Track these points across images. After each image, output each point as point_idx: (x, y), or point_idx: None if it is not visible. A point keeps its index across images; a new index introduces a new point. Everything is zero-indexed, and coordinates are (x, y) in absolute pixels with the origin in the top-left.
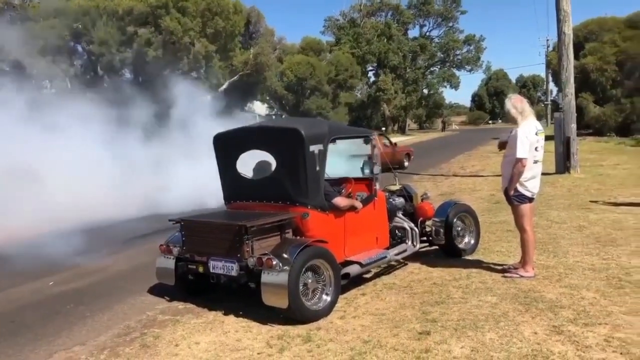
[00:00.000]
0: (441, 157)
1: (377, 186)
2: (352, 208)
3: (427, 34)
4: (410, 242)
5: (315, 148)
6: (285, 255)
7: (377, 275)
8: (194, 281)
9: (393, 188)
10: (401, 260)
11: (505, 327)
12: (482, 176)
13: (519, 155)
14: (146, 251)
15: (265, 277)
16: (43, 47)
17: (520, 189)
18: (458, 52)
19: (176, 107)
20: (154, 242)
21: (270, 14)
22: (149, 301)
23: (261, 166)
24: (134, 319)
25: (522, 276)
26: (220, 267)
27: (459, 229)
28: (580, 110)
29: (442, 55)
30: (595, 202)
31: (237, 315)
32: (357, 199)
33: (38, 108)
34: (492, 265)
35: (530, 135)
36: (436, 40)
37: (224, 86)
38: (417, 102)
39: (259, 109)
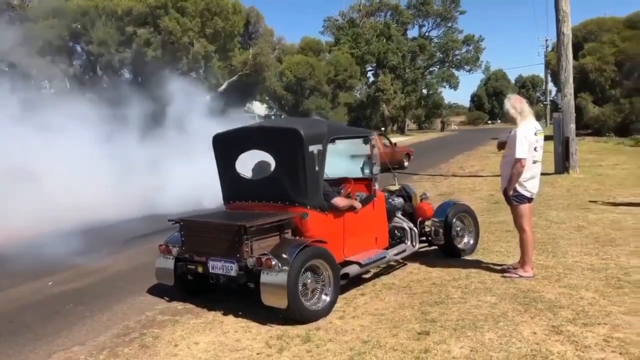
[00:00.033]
0: (440, 157)
1: (377, 186)
2: (352, 208)
3: (426, 34)
4: (409, 242)
5: (314, 148)
6: (284, 256)
7: (377, 275)
8: (193, 281)
9: (392, 188)
10: (400, 261)
11: (505, 327)
12: (481, 176)
13: (518, 155)
14: (145, 251)
15: (265, 277)
16: (42, 47)
17: (519, 189)
18: (457, 52)
19: (175, 107)
20: (153, 242)
21: (269, 14)
22: (148, 301)
23: (260, 166)
24: (133, 319)
25: (521, 276)
26: (219, 267)
27: (458, 229)
28: (579, 110)
29: (441, 56)
30: (594, 202)
31: (236, 316)
32: (356, 199)
33: (37, 108)
34: (491, 266)
35: (529, 136)
36: (435, 40)
37: (223, 86)
38: (416, 102)
39: (258, 109)
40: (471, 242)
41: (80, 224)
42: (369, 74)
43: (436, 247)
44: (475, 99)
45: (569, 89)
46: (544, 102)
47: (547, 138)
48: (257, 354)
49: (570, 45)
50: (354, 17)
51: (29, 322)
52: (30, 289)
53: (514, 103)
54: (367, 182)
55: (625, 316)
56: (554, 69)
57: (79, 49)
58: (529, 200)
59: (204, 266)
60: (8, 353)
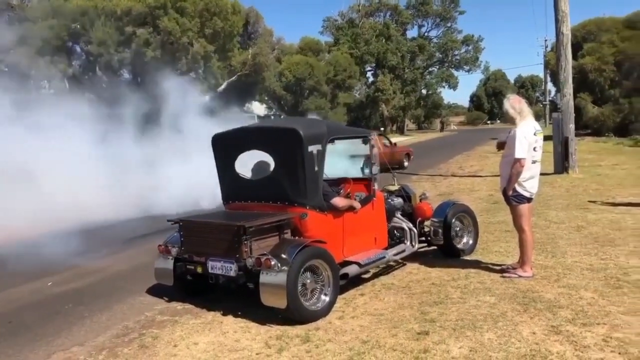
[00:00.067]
0: (440, 158)
1: (376, 186)
2: (351, 208)
3: (426, 34)
4: (408, 243)
5: (313, 148)
6: (283, 256)
7: (376, 275)
8: (193, 281)
9: (392, 188)
10: (400, 261)
11: (504, 327)
12: (480, 176)
13: (517, 155)
14: (145, 251)
15: (264, 278)
16: (41, 47)
17: (518, 189)
18: (456, 52)
19: (174, 107)
20: (152, 243)
21: (268, 14)
22: (147, 302)
23: (260, 166)
24: (133, 320)
25: (520, 276)
26: (218, 267)
27: (458, 229)
28: (578, 110)
29: (440, 56)
30: (594, 202)
31: (235, 316)
32: (355, 199)
33: (36, 108)
34: (490, 266)
35: (528, 136)
36: (435, 40)
37: (223, 86)
38: (415, 102)
39: (258, 109)
40: (470, 242)
41: (80, 224)
42: (368, 74)
43: (435, 247)
44: (475, 99)
45: (568, 89)
46: (543, 102)
47: (546, 138)
48: (257, 354)
49: (569, 46)
50: (353, 18)
51: (29, 322)
52: (29, 289)
53: (513, 103)
54: (366, 182)
55: (625, 316)
56: (553, 69)
57: (78, 49)
58: (528, 200)
59: (203, 266)
60: (7, 353)
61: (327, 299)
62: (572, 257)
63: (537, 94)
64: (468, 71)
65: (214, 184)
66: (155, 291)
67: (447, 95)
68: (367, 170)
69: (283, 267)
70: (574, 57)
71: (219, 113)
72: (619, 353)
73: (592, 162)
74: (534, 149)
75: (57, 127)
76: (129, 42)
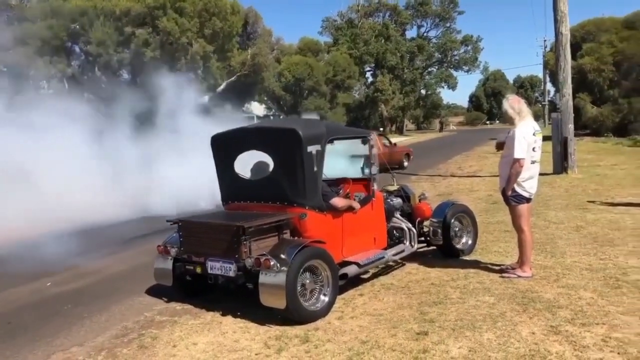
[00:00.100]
0: (439, 158)
1: (375, 186)
2: (350, 208)
3: (425, 34)
4: (408, 243)
5: (313, 148)
6: (283, 256)
7: (375, 275)
8: (192, 282)
9: (391, 188)
10: (399, 261)
11: (503, 327)
12: (479, 176)
13: (516, 155)
14: (144, 252)
15: (263, 278)
16: (40, 47)
17: (517, 189)
18: (456, 52)
19: (172, 107)
20: (151, 243)
21: (267, 15)
22: (146, 302)
23: (259, 167)
24: (132, 320)
25: (519, 276)
26: (218, 267)
27: (457, 229)
28: (577, 110)
29: (439, 56)
30: (593, 202)
31: (234, 316)
32: (355, 200)
33: (34, 108)
34: (489, 266)
35: (527, 136)
36: (434, 40)
37: (222, 87)
38: (414, 102)
39: (257, 110)
40: (469, 242)
41: (79, 224)
42: (368, 74)
43: (435, 248)
44: (474, 100)
45: (568, 89)
46: (543, 103)
47: (545, 138)
48: (256, 354)
49: (568, 46)
50: (353, 18)
51: (28, 322)
52: (28, 289)
53: (512, 103)
54: (365, 182)
55: (624, 316)
56: (552, 69)
57: (77, 49)
58: (528, 200)
59: (202, 267)
60: (6, 354)
61: (327, 299)
62: (571, 257)
63: (536, 94)
64: (467, 71)
65: (213, 184)
66: (155, 291)
67: (446, 96)
68: (366, 171)
69: (282, 268)
70: (573, 58)
71: (217, 113)
72: (618, 353)
73: (591, 162)
74: (533, 149)
75: (56, 127)
76: (128, 43)
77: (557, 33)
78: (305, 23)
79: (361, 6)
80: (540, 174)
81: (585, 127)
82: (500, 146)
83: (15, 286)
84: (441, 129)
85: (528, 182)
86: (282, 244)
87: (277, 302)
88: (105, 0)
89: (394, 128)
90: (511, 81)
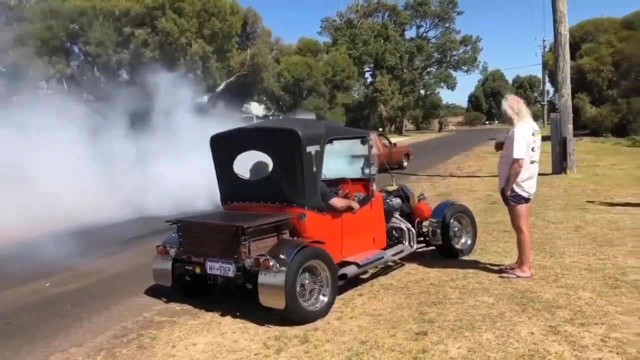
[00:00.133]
0: (438, 158)
1: (374, 187)
2: (349, 209)
3: (424, 34)
4: (407, 243)
5: (312, 149)
6: (282, 256)
7: (374, 275)
8: (191, 282)
9: (390, 189)
10: (398, 261)
11: (502, 327)
12: (478, 177)
13: (515, 155)
14: (143, 252)
15: (263, 278)
16: (39, 47)
17: (516, 189)
18: (455, 52)
19: (172, 107)
20: (150, 244)
21: (267, 15)
22: (145, 302)
23: (258, 167)
24: (131, 320)
25: (518, 276)
26: (217, 268)
27: (456, 229)
28: (576, 110)
29: (438, 56)
30: (592, 202)
31: (234, 317)
32: (354, 200)
33: (33, 109)
34: (488, 266)
35: (526, 136)
36: (433, 41)
37: (221, 87)
38: (414, 102)
39: (256, 110)
40: (469, 242)
41: (78, 225)
42: (367, 74)
43: (434, 248)
44: (473, 100)
45: (567, 89)
46: (542, 103)
47: (544, 138)
48: (255, 354)
49: (567, 46)
50: (352, 18)
51: (26, 323)
52: (27, 290)
53: (512, 103)
54: (364, 182)
55: (623, 316)
56: (551, 70)
57: (76, 49)
58: (527, 200)
59: (201, 267)
60: (5, 355)
61: (326, 299)
62: (570, 257)
63: (536, 95)
64: (466, 71)
65: (213, 184)
66: (154, 292)
67: (446, 96)
68: (366, 171)
69: (281, 268)
70: (572, 58)
71: (215, 114)
72: (617, 353)
73: (590, 162)
74: (532, 149)
75: (56, 128)
76: (127, 43)
77: (556, 33)
78: (305, 23)
79: (360, 6)
80: (539, 174)
81: (584, 127)
82: (499, 146)
83: (14, 286)
84: (440, 129)
85: (527, 182)
86: (281, 244)
87: (276, 302)
88: (105, 1)
89: (393, 128)
90: (510, 81)
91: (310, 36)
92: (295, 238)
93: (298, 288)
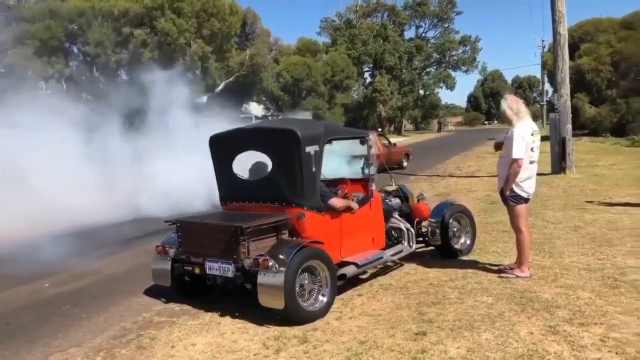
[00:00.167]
0: (437, 158)
1: (373, 187)
2: (349, 209)
3: (423, 35)
4: (406, 243)
5: (311, 149)
6: (281, 256)
7: (374, 276)
8: (190, 282)
9: (389, 189)
10: (397, 261)
11: (501, 327)
12: (478, 177)
13: (515, 155)
14: (142, 253)
15: (262, 278)
16: (38, 48)
17: (516, 189)
18: (454, 52)
19: (171, 107)
20: (150, 244)
21: (266, 15)
22: (145, 303)
23: (257, 167)
24: (130, 321)
25: (518, 276)
26: (216, 268)
27: (455, 229)
28: (575, 110)
29: (438, 56)
30: (591, 202)
31: (233, 317)
32: (353, 200)
33: (32, 109)
34: (488, 266)
35: (526, 136)
36: (432, 41)
37: (220, 87)
38: (413, 103)
39: (255, 110)
40: (468, 242)
41: (77, 225)
42: (366, 74)
43: (433, 248)
44: (472, 100)
45: (566, 89)
46: (541, 103)
47: (543, 138)
48: (254, 354)
49: (566, 46)
50: (351, 18)
51: (25, 323)
52: (26, 290)
53: (511, 104)
54: (364, 182)
55: (622, 316)
56: (550, 70)
57: (75, 49)
58: (526, 200)
59: (201, 267)
60: (4, 355)
61: (325, 299)
62: (570, 257)
63: (535, 95)
64: (465, 72)
65: (211, 184)
66: (153, 292)
67: (445, 96)
68: (365, 171)
69: (281, 268)
70: (571, 58)
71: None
72: (616, 353)
73: (589, 162)
74: (532, 149)
75: (55, 128)
76: (126, 43)
77: (555, 33)
78: (304, 23)
79: (359, 7)
80: (538, 174)
81: (584, 127)
82: (498, 146)
83: (13, 287)
84: (439, 129)
85: (526, 183)
86: (280, 245)
87: (275, 302)
88: (103, 1)
89: (392, 128)
90: (509, 81)
91: (309, 36)
92: (294, 238)
93: (297, 288)
